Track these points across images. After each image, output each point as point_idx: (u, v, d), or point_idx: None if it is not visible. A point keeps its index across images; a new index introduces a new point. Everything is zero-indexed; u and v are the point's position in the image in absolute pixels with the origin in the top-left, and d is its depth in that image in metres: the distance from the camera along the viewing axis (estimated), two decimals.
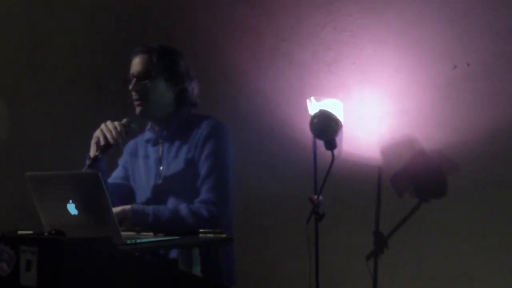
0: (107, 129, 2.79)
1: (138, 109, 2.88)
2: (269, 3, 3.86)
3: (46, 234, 2.16)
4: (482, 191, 3.25)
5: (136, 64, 2.88)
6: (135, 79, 2.87)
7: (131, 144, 3.04)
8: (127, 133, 2.83)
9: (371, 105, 3.51)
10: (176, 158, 2.85)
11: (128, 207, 2.71)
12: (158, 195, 2.86)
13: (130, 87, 2.86)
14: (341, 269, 3.58)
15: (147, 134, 2.98)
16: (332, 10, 3.64)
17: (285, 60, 3.79)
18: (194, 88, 2.94)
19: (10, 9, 4.92)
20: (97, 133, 2.81)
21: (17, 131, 4.81)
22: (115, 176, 3.02)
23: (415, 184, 3.42)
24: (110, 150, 2.81)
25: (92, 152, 2.81)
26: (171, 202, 2.82)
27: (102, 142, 2.78)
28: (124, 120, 2.83)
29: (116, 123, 2.81)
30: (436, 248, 3.36)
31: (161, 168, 2.89)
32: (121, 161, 3.05)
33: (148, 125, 2.98)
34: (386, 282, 3.47)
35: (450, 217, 3.32)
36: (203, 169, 2.78)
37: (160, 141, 2.92)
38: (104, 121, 2.83)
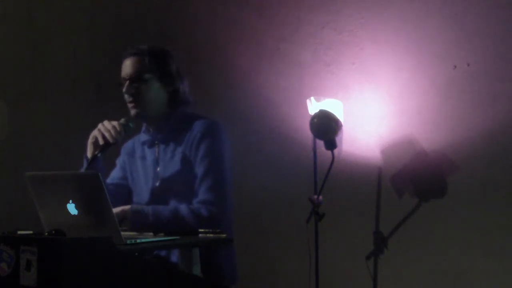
0: (105, 129, 2.80)
1: (133, 111, 2.88)
2: (269, 3, 3.86)
3: (46, 234, 2.16)
4: (482, 191, 3.25)
5: (128, 66, 2.88)
6: (127, 81, 2.87)
7: (128, 144, 3.04)
8: (125, 132, 2.84)
9: (371, 105, 3.51)
10: (172, 159, 2.86)
11: (127, 207, 2.71)
12: (156, 196, 2.87)
13: (124, 89, 2.87)
14: (341, 269, 3.58)
15: (143, 136, 2.98)
16: (332, 10, 3.64)
17: (285, 60, 3.78)
18: (185, 87, 2.95)
19: (10, 9, 4.92)
20: (95, 132, 2.82)
21: (17, 131, 4.81)
22: (113, 176, 3.02)
23: (415, 184, 3.42)
24: (108, 149, 2.81)
25: (90, 152, 2.81)
26: (169, 203, 2.82)
27: (101, 142, 2.78)
28: (122, 120, 2.84)
29: (114, 122, 2.81)
30: (436, 248, 3.36)
31: (158, 169, 2.89)
32: (118, 161, 3.05)
33: (143, 127, 2.98)
34: (386, 282, 3.47)
35: (450, 217, 3.32)
36: (200, 169, 2.79)
37: (156, 142, 2.93)
38: (104, 121, 2.84)
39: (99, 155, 2.78)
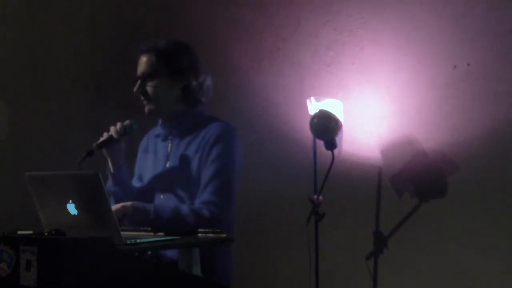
0: (113, 127, 2.85)
1: (146, 109, 2.93)
2: (269, 3, 3.86)
3: (46, 234, 2.16)
4: (482, 191, 3.25)
5: (140, 64, 2.93)
6: (139, 80, 2.90)
7: (143, 141, 3.09)
8: (128, 133, 2.87)
9: (371, 105, 3.51)
10: (184, 156, 2.87)
11: (128, 203, 2.72)
12: (162, 191, 2.88)
13: (135, 89, 2.90)
14: (341, 269, 3.58)
15: (158, 129, 3.01)
16: (332, 10, 3.64)
17: (285, 60, 3.78)
18: (203, 82, 2.93)
19: (10, 9, 4.92)
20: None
21: (17, 131, 4.81)
22: (134, 179, 3.05)
23: (415, 184, 3.42)
24: (107, 145, 2.84)
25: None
26: (174, 200, 2.83)
27: (106, 136, 2.83)
28: (126, 122, 2.87)
29: (119, 123, 2.86)
30: (436, 248, 3.35)
31: (167, 165, 2.90)
32: (136, 163, 3.08)
33: (160, 121, 3.00)
34: (386, 282, 3.47)
35: (450, 217, 3.32)
36: (209, 170, 2.79)
37: (169, 137, 2.94)
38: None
39: (96, 150, 2.83)
